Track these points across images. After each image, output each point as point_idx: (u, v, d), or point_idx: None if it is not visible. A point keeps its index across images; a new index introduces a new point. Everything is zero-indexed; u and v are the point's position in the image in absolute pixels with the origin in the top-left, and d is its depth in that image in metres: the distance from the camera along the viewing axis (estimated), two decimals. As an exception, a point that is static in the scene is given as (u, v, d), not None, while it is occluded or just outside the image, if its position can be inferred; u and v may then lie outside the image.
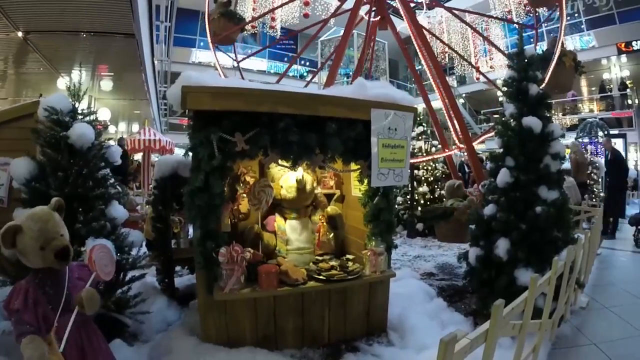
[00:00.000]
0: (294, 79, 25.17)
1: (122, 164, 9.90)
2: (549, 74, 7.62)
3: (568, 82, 8.11)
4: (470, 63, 16.10)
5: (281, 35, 19.79)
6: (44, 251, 2.02)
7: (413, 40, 9.17)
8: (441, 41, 13.73)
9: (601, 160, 11.55)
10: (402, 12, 9.29)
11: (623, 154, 12.05)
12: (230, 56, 10.45)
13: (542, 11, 10.31)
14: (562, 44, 7.94)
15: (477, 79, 23.09)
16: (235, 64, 10.36)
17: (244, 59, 10.90)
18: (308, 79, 23.44)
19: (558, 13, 8.58)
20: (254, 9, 15.06)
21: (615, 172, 9.33)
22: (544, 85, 7.49)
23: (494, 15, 16.07)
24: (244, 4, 14.88)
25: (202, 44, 22.22)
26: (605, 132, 15.13)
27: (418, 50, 9.22)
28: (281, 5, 13.48)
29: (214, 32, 9.46)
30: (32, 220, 2.06)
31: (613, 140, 12.61)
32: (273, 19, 15.89)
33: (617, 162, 9.32)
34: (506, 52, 10.27)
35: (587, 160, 12.33)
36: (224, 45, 10.13)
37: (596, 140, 13.65)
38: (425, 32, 9.49)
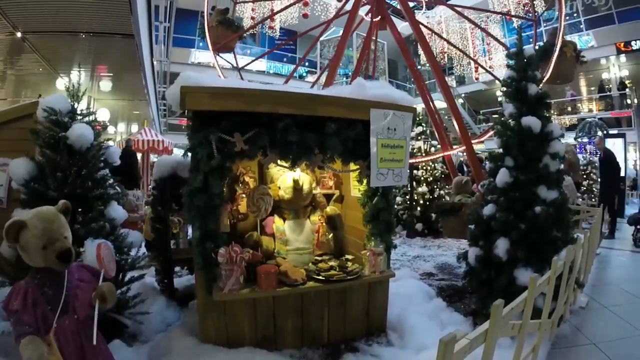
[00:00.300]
0: (293, 79, 25.13)
1: (131, 165, 10.01)
2: (552, 65, 7.65)
3: (570, 73, 8.14)
4: (471, 58, 16.06)
5: (280, 36, 19.79)
6: (45, 251, 2.02)
7: (415, 37, 9.16)
8: (441, 37, 13.72)
9: (599, 160, 11.59)
10: (403, 12, 9.28)
11: (622, 153, 12.08)
12: (231, 63, 10.45)
13: (541, 9, 10.32)
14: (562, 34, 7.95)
15: (476, 79, 23.13)
16: (234, 64, 10.37)
17: (246, 65, 10.89)
18: (307, 79, 23.51)
19: (557, 13, 8.59)
20: (252, 9, 15.05)
21: (607, 172, 9.40)
22: (547, 76, 7.53)
23: (493, 10, 16.00)
24: (243, 5, 14.86)
25: (201, 44, 22.15)
26: (605, 132, 15.16)
27: (420, 47, 9.20)
28: (281, 10, 13.43)
29: (213, 41, 9.46)
30: (37, 219, 2.07)
31: (613, 139, 12.66)
32: (272, 20, 15.88)
33: (608, 162, 9.38)
34: (505, 49, 10.27)
35: (586, 160, 12.38)
36: (224, 53, 10.14)
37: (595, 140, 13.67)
38: (427, 31, 9.47)
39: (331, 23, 10.39)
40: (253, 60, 12.33)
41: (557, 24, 8.06)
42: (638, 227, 7.64)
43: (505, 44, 10.94)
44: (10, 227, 2.00)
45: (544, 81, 7.50)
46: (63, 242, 2.09)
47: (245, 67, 10.96)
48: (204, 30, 9.57)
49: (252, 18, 15.18)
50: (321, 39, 16.01)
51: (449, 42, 14.14)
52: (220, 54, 10.03)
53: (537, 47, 8.34)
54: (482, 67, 12.59)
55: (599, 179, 10.26)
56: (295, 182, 4.00)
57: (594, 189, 11.91)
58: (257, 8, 15.71)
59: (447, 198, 9.27)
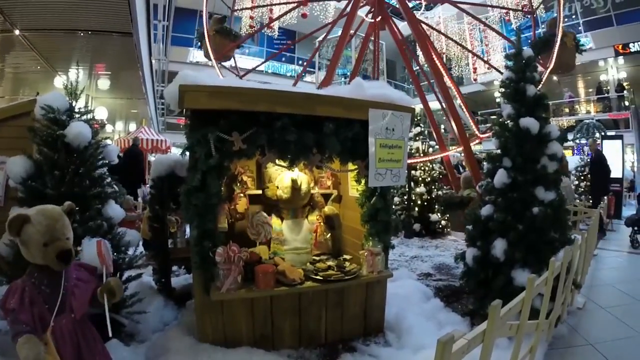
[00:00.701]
0: (292, 78, 25.18)
1: (138, 164, 10.12)
2: (555, 54, 7.72)
3: (571, 62, 8.23)
4: (477, 55, 15.98)
5: (279, 35, 19.71)
6: (46, 248, 2.02)
7: (415, 37, 9.16)
8: (441, 33, 13.70)
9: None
10: (401, 12, 9.28)
11: (620, 155, 12.13)
12: (232, 71, 10.44)
13: (540, 10, 10.33)
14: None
15: (475, 80, 23.13)
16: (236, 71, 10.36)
17: (246, 73, 10.88)
18: (305, 78, 23.45)
19: (556, 14, 8.61)
20: (252, 9, 14.98)
21: (598, 173, 9.51)
22: (551, 66, 7.67)
23: (491, 5, 15.95)
24: (242, 3, 14.81)
25: (199, 43, 22.13)
26: (602, 134, 15.19)
27: (419, 47, 9.21)
28: (280, 17, 13.36)
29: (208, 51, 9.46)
30: (42, 215, 2.08)
31: (610, 141, 12.70)
32: (271, 19, 15.84)
33: (598, 163, 9.50)
34: (505, 46, 10.31)
35: (584, 161, 12.42)
36: (222, 61, 10.14)
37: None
38: (427, 28, 9.48)
39: (335, 25, 10.33)
40: (255, 68, 12.18)
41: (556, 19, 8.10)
42: (635, 228, 7.66)
43: (509, 38, 10.97)
44: (14, 220, 2.01)
45: (548, 71, 7.57)
46: (64, 242, 2.10)
47: (242, 64, 10.93)
48: (201, 39, 9.57)
49: (251, 17, 15.12)
50: (320, 38, 16.03)
51: (451, 39, 14.11)
52: (222, 63, 10.02)
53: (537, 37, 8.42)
54: (487, 63, 12.57)
55: (591, 180, 10.42)
56: (294, 181, 4.00)
57: (592, 189, 11.93)
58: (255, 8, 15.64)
59: (446, 198, 9.30)
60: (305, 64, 16.03)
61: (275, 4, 12.61)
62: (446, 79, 9.07)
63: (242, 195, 4.05)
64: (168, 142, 13.90)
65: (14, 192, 3.10)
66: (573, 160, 12.62)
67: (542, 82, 7.67)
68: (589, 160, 11.56)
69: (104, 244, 2.46)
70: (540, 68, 7.36)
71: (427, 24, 11.03)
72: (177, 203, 3.91)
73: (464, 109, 9.44)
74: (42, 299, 2.03)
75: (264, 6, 13.27)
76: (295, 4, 11.33)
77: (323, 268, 3.60)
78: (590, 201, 10.76)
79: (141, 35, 10.18)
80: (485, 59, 21.59)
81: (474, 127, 9.35)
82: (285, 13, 12.43)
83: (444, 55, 21.24)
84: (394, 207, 8.07)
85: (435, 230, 8.98)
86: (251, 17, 14.92)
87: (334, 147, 3.28)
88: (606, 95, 20.66)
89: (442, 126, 13.38)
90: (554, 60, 7.74)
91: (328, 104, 3.27)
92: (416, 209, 9.12)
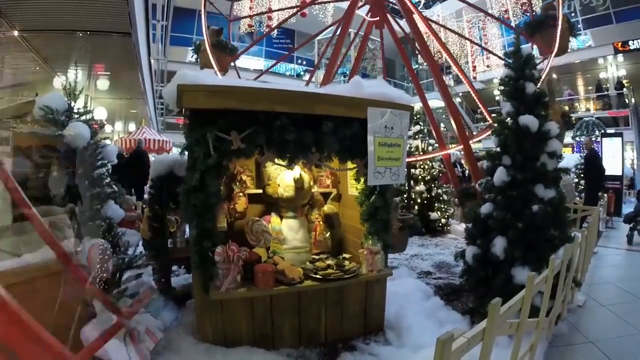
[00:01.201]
0: (290, 77, 25.20)
1: (143, 164, 10.19)
2: (558, 36, 7.74)
3: (565, 44, 8.23)
4: (483, 47, 15.97)
5: (278, 35, 19.78)
6: None
7: (413, 35, 9.17)
8: (443, 26, 13.71)
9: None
10: (400, 10, 9.28)
11: (620, 152, 12.15)
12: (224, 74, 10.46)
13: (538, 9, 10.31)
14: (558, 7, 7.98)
15: (474, 78, 23.13)
16: (233, 64, 10.37)
17: (259, 75, 10.87)
18: (305, 77, 23.52)
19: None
20: (251, 8, 14.98)
21: (591, 171, 9.56)
22: (555, 50, 7.71)
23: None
24: (240, 4, 14.80)
25: (198, 43, 22.11)
26: (602, 131, 15.19)
27: (418, 46, 9.22)
28: (279, 25, 13.34)
29: (204, 63, 9.47)
30: None
31: (610, 139, 12.71)
32: (270, 18, 15.81)
33: (592, 161, 9.53)
34: (504, 44, 10.30)
35: (584, 159, 12.42)
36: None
37: (593, 139, 13.70)
38: (425, 29, 9.48)
39: (328, 20, 10.33)
40: (260, 75, 12.10)
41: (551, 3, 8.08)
42: (632, 225, 7.67)
43: (508, 24, 10.93)
44: None
45: (553, 55, 7.58)
46: None
47: (241, 64, 10.92)
48: (197, 52, 9.58)
49: (250, 17, 15.14)
50: (319, 38, 16.05)
51: (452, 31, 14.11)
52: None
53: (534, 47, 8.38)
54: (492, 53, 12.53)
55: (586, 177, 10.48)
56: (296, 180, 4.00)
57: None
58: (255, 7, 15.64)
59: (445, 197, 9.31)
60: (313, 67, 16.05)
61: (274, 10, 12.58)
62: (456, 71, 9.07)
63: (241, 194, 4.05)
64: (171, 143, 14.17)
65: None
66: (573, 158, 12.60)
67: (548, 67, 7.69)
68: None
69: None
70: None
71: (428, 19, 11.04)
72: (177, 203, 3.90)
73: (477, 99, 9.44)
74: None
75: (262, 13, 13.27)
76: (296, 9, 11.33)
77: (322, 267, 3.60)
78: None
79: (140, 35, 10.16)
80: (485, 57, 21.65)
81: (487, 117, 9.36)
82: (286, 19, 12.38)
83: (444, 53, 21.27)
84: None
85: (435, 228, 8.99)
86: (250, 17, 14.93)
87: (332, 145, 3.28)
88: (606, 92, 20.65)
89: (442, 124, 13.37)
90: (557, 44, 7.72)
91: (327, 102, 3.27)
92: (416, 207, 9.13)
